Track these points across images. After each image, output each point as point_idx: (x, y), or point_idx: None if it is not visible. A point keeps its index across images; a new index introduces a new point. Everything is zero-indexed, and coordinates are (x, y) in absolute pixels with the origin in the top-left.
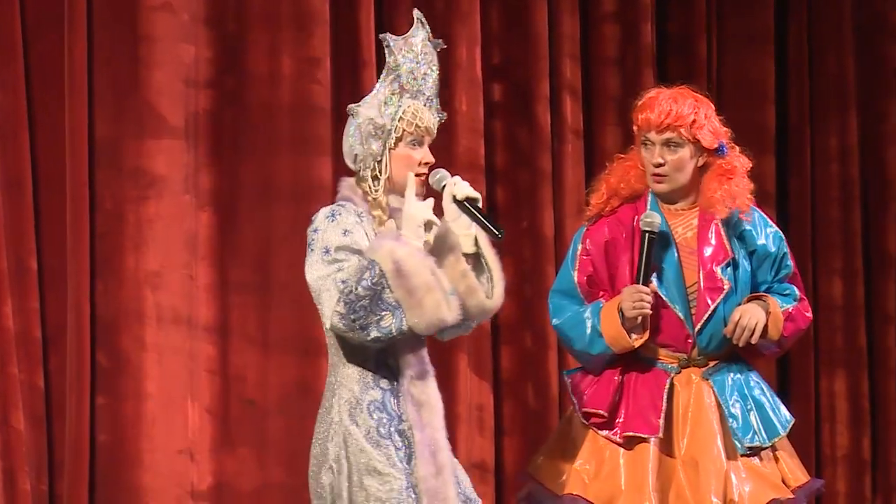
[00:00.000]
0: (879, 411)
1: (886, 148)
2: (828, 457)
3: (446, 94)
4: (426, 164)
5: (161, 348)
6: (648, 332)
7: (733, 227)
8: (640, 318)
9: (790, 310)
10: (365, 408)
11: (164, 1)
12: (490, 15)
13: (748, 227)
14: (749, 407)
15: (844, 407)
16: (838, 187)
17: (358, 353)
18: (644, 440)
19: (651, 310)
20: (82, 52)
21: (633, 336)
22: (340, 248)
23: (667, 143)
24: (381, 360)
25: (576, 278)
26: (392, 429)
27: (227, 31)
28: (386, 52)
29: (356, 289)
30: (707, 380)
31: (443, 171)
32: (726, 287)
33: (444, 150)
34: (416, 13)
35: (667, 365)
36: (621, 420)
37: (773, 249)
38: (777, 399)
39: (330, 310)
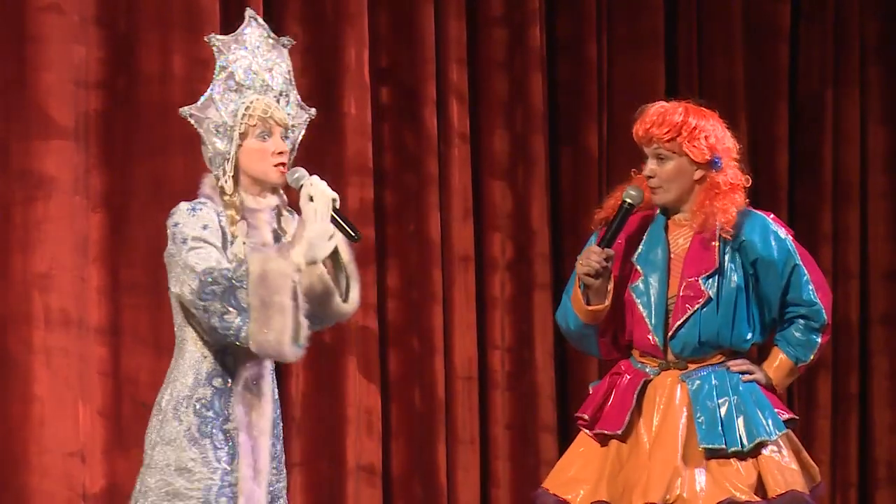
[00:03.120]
0: None
1: (776, 151)
2: None
3: (335, 96)
4: (279, 153)
5: (50, 350)
6: (609, 300)
7: (734, 238)
8: (594, 278)
9: (810, 362)
10: (192, 404)
11: (53, 1)
12: (378, 17)
13: (747, 237)
14: (724, 410)
15: None
16: None
17: (203, 341)
18: (611, 436)
19: (604, 272)
20: None
21: (593, 302)
22: (197, 238)
23: (657, 156)
24: (220, 357)
25: None
26: (214, 428)
27: (119, 30)
28: (214, 51)
29: (214, 272)
30: (684, 381)
31: (301, 170)
32: (704, 296)
33: (334, 152)
34: (249, 11)
35: (647, 367)
36: (597, 420)
37: (776, 257)
38: (768, 408)
39: (178, 280)
